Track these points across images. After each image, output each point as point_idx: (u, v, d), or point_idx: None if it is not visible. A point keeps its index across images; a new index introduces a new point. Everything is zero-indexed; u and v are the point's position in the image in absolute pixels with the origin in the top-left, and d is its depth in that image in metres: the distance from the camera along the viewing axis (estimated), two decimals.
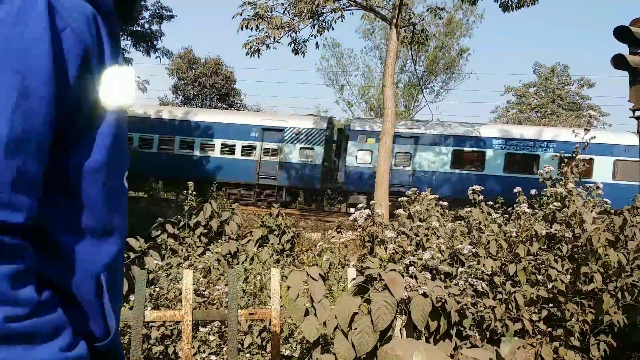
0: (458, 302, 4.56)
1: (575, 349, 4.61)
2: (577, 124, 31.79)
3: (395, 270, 4.17)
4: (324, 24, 12.40)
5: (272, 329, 4.76)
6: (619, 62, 8.59)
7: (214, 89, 39.34)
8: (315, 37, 12.76)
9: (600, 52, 73.66)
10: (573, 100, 39.79)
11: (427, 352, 3.74)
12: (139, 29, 17.04)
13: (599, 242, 4.70)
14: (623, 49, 8.81)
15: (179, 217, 8.78)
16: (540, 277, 4.93)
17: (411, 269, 4.95)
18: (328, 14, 12.13)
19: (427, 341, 4.57)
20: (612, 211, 5.36)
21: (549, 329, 4.76)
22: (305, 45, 12.95)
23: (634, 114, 8.85)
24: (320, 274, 4.25)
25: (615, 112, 42.71)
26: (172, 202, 11.49)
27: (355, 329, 3.84)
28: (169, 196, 18.52)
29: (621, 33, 8.67)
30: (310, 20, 12.02)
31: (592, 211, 5.16)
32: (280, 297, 4.70)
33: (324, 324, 4.02)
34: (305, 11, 11.58)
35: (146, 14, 17.14)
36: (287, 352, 5.11)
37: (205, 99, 39.94)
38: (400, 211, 6.44)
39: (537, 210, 5.65)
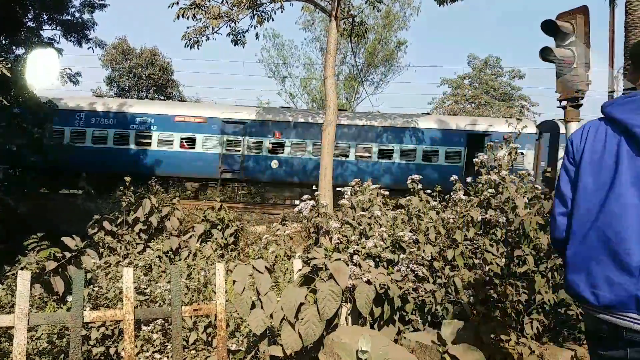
0: (400, 288, 4.69)
1: (511, 328, 4.86)
2: (509, 114, 33.26)
3: (339, 259, 4.23)
4: (263, 14, 12.27)
5: (218, 324, 4.71)
6: (546, 54, 9.04)
7: (151, 80, 38.17)
8: (255, 28, 12.61)
9: (530, 45, 77.18)
10: (505, 91, 41.51)
11: (372, 338, 3.82)
12: (69, 18, 16.19)
13: (530, 226, 4.95)
14: (550, 41, 9.28)
15: (117, 213, 8.50)
16: (477, 261, 5.15)
17: (355, 257, 5.03)
18: (267, 4, 12.02)
19: (372, 327, 4.67)
20: (543, 196, 5.66)
21: (487, 310, 4.98)
22: (245, 36, 12.78)
23: (560, 103, 9.36)
24: (266, 267, 4.25)
25: (544, 102, 45.29)
26: (110, 199, 11.08)
27: (302, 319, 3.87)
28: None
29: (548, 26, 9.11)
30: (250, 10, 11.86)
31: (524, 197, 5.42)
32: (226, 291, 4.66)
33: (271, 316, 4.02)
34: (244, 1, 11.41)
35: (77, 2, 16.37)
36: (233, 347, 5.08)
37: (141, 90, 38.67)
38: (344, 201, 6.52)
39: (472, 197, 5.88)
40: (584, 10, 9.07)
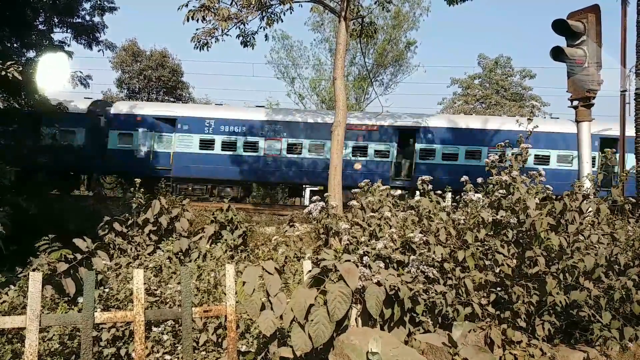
0: (410, 289, 4.66)
1: (522, 330, 4.82)
2: (520, 114, 33.03)
3: (349, 260, 4.22)
4: (272, 15, 12.30)
5: (228, 325, 4.72)
6: (557, 54, 8.97)
7: (161, 82, 38.39)
8: (264, 29, 12.66)
9: (541, 44, 76.65)
10: (516, 91, 41.24)
11: (382, 339, 3.80)
12: (79, 21, 16.35)
13: (541, 227, 4.90)
14: (561, 41, 9.20)
15: (127, 215, 8.53)
16: (487, 262, 5.11)
17: (365, 258, 5.01)
18: (276, 5, 12.04)
19: (382, 329, 4.65)
20: (554, 196, 5.60)
21: (497, 312, 4.94)
22: (254, 38, 12.82)
23: (572, 103, 9.27)
24: (275, 268, 4.24)
25: (555, 102, 44.98)
26: (120, 200, 11.16)
27: (312, 320, 3.86)
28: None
29: (559, 26, 9.04)
30: (259, 12, 11.89)
31: (535, 197, 5.37)
32: (236, 293, 4.66)
33: (281, 317, 4.02)
34: (253, 2, 11.44)
35: (87, 6, 16.51)
36: (243, 348, 5.08)
37: (151, 92, 38.92)
38: (353, 202, 6.51)
39: (483, 198, 5.83)
40: (595, 9, 8.99)
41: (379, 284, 4.56)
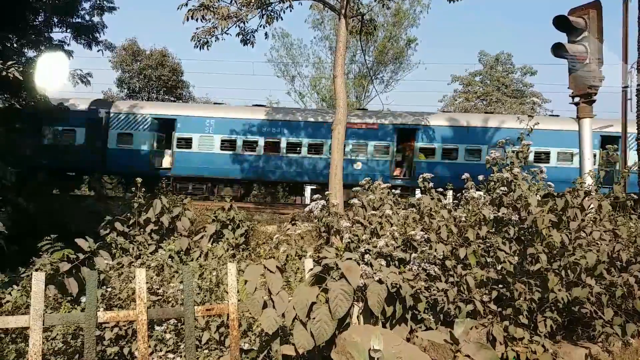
0: (412, 287, 4.67)
1: (524, 327, 4.82)
2: (521, 111, 32.96)
3: (351, 258, 4.22)
4: (272, 13, 12.28)
5: (230, 323, 4.72)
6: (558, 50, 8.96)
7: (161, 81, 38.36)
8: (264, 28, 12.64)
9: (542, 40, 76.45)
10: (517, 87, 41.13)
11: (384, 336, 3.81)
12: (79, 20, 16.35)
13: (543, 224, 4.90)
14: (562, 37, 9.19)
15: (128, 214, 8.54)
16: (489, 260, 5.11)
17: (366, 256, 5.02)
18: (276, 3, 12.03)
19: (384, 326, 4.66)
20: (556, 193, 5.60)
21: (499, 309, 4.95)
22: (254, 36, 12.80)
23: (573, 100, 9.26)
24: (277, 266, 4.25)
25: (556, 99, 44.93)
26: (120, 200, 11.17)
27: (314, 318, 3.86)
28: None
29: (560, 22, 9.03)
30: (259, 10, 11.87)
31: (536, 194, 5.37)
32: (238, 291, 4.67)
33: (283, 315, 4.02)
34: (252, 1, 11.43)
35: (86, 5, 16.50)
36: (246, 346, 5.09)
37: (151, 91, 38.89)
38: (354, 200, 6.51)
39: (484, 195, 5.83)
40: (596, 5, 8.97)
41: (380, 281, 4.56)
